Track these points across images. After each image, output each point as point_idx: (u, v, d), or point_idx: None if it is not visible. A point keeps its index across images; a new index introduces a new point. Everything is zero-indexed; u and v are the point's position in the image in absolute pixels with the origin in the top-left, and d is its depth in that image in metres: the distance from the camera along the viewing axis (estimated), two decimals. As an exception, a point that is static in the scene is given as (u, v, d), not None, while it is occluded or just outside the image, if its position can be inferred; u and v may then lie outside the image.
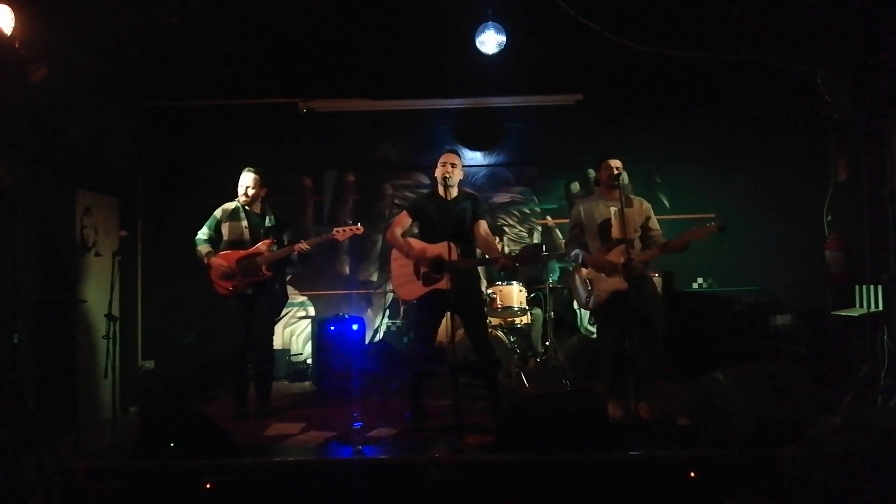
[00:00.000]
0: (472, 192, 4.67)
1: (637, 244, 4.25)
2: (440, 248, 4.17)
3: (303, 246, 4.56)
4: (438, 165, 4.34)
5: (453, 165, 4.32)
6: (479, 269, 4.90)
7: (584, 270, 4.36)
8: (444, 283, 4.14)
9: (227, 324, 4.70)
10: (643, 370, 4.11)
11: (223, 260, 4.57)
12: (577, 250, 4.39)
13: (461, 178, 4.42)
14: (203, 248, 4.64)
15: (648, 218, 4.35)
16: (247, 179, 4.66)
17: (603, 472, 3.39)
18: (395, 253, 4.45)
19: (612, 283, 4.16)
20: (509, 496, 3.39)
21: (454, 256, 4.02)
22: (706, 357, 5.01)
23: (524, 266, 6.41)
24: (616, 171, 4.26)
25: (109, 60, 5.23)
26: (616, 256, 4.16)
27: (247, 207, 4.69)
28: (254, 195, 4.67)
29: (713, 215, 6.61)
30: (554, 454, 3.42)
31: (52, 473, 3.55)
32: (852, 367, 4.71)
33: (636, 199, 4.39)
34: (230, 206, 4.72)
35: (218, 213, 4.71)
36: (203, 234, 4.68)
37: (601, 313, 4.36)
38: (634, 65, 5.65)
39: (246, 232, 4.64)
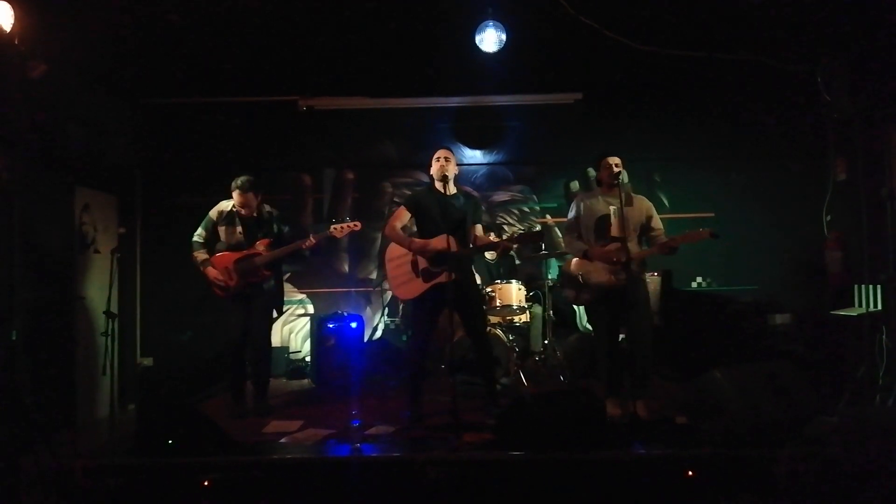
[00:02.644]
0: (470, 192, 4.67)
1: (634, 243, 4.25)
2: (440, 242, 4.17)
3: (311, 241, 4.54)
4: (433, 162, 4.37)
5: (447, 159, 4.35)
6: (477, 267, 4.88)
7: (573, 264, 4.36)
8: (444, 278, 4.14)
9: (226, 321, 4.70)
10: (638, 369, 4.13)
11: (219, 266, 4.56)
12: (579, 243, 4.38)
13: (456, 172, 4.44)
14: (199, 255, 4.61)
15: (650, 217, 4.33)
16: (238, 197, 4.59)
17: (601, 470, 3.39)
18: (389, 254, 4.45)
19: (605, 279, 4.17)
20: (507, 495, 3.39)
21: (454, 248, 4.04)
22: (704, 356, 5.01)
23: (523, 264, 6.42)
24: (616, 169, 4.26)
25: (108, 57, 5.22)
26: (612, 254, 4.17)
27: (242, 212, 4.64)
28: (246, 201, 4.60)
29: (712, 214, 6.63)
30: (552, 453, 3.42)
31: (49, 471, 3.55)
32: (850, 367, 4.71)
33: (637, 198, 4.37)
34: (226, 207, 4.66)
35: (213, 214, 4.67)
36: (199, 236, 4.64)
37: (593, 310, 4.38)
38: (634, 64, 5.65)
39: (241, 237, 4.62)
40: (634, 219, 4.26)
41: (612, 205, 4.23)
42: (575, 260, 4.41)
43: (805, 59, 5.27)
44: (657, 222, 4.36)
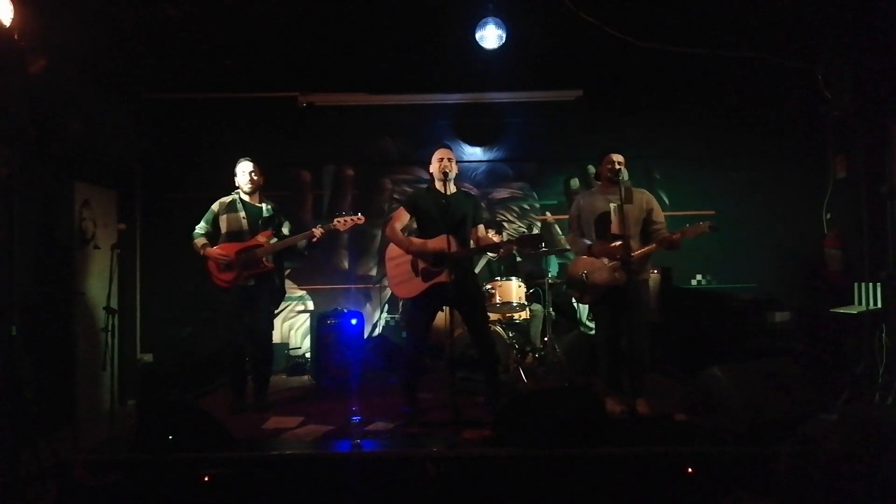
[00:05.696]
0: (469, 191, 4.66)
1: (636, 240, 4.25)
2: (439, 243, 4.17)
3: (318, 231, 4.55)
4: (435, 161, 4.34)
5: (450, 160, 4.33)
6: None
7: (577, 262, 4.36)
8: (443, 277, 4.14)
9: (226, 317, 4.70)
10: (636, 367, 4.14)
11: (222, 250, 4.57)
12: (581, 240, 4.39)
13: (456, 172, 4.44)
14: (199, 241, 4.65)
15: (651, 210, 4.31)
16: (246, 167, 4.69)
17: (600, 467, 3.40)
18: (389, 252, 4.45)
19: (609, 277, 4.17)
20: (506, 491, 3.39)
21: (454, 249, 4.03)
22: (704, 353, 5.02)
23: (524, 261, 6.42)
24: (616, 166, 4.25)
25: (108, 52, 5.21)
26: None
27: (244, 198, 4.70)
28: (256, 182, 4.69)
29: (713, 212, 6.62)
30: (552, 449, 3.42)
31: (49, 466, 3.55)
32: (850, 365, 4.71)
33: (637, 192, 4.35)
34: (226, 198, 4.72)
35: (215, 206, 4.72)
36: (200, 228, 4.69)
37: (595, 308, 4.39)
38: (635, 61, 5.65)
39: (244, 223, 4.64)
40: (635, 214, 4.26)
41: (612, 201, 4.23)
42: (578, 258, 4.42)
43: (806, 56, 5.27)
44: (658, 215, 4.33)
